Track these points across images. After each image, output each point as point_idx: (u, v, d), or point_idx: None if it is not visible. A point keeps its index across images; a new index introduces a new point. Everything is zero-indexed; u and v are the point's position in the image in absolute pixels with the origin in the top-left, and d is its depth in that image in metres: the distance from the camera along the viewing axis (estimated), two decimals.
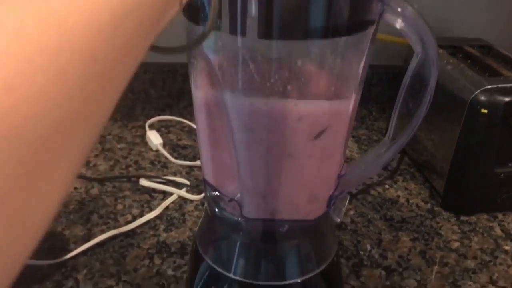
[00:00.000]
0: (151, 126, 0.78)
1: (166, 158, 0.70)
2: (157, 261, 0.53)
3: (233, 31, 0.30)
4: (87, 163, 0.68)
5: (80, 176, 0.65)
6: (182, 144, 0.75)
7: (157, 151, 0.72)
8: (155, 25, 0.19)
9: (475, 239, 0.58)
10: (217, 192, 0.40)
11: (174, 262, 0.52)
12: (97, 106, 0.17)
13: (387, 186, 0.67)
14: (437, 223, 0.61)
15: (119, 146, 0.73)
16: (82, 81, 0.15)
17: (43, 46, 0.14)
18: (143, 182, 0.64)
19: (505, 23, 0.85)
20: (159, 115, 0.80)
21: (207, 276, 0.42)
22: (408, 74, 0.36)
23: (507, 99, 0.56)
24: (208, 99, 0.36)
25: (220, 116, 0.35)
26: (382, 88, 0.86)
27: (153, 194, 0.63)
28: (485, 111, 0.56)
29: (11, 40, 0.14)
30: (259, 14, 0.28)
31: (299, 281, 0.40)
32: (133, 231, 0.56)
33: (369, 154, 0.42)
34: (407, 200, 0.65)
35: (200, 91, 0.36)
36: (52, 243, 0.54)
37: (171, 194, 0.63)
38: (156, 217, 0.59)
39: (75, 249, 0.53)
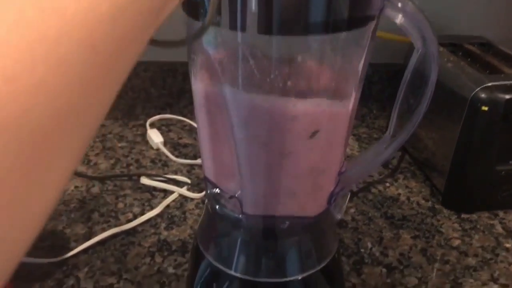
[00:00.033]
0: (152, 125, 0.78)
1: (166, 156, 0.70)
2: (158, 259, 0.53)
3: (233, 27, 0.30)
4: (88, 161, 0.69)
5: (81, 175, 0.65)
6: (183, 143, 0.75)
7: (157, 149, 0.72)
8: (154, 18, 0.19)
9: (476, 236, 0.58)
10: (217, 189, 0.40)
11: (175, 260, 0.52)
12: (97, 98, 0.17)
13: (388, 184, 0.67)
14: (438, 221, 0.61)
15: (120, 144, 0.73)
16: (82, 72, 0.15)
17: (43, 36, 0.14)
18: (144, 180, 0.64)
19: (506, 21, 0.84)
20: (159, 113, 0.80)
21: (208, 273, 0.42)
22: (408, 70, 0.36)
23: (507, 96, 0.56)
24: (208, 95, 0.36)
25: (220, 112, 0.35)
26: (383, 86, 0.85)
27: (154, 192, 0.63)
28: (486, 108, 0.56)
29: (11, 30, 0.14)
30: (259, 9, 0.28)
31: (299, 278, 0.40)
32: (134, 229, 0.56)
33: (369, 151, 0.42)
34: (408, 198, 0.65)
35: (200, 87, 0.36)
36: (53, 242, 0.54)
37: (172, 192, 0.63)
38: (157, 215, 0.59)
39: (76, 247, 0.53)
